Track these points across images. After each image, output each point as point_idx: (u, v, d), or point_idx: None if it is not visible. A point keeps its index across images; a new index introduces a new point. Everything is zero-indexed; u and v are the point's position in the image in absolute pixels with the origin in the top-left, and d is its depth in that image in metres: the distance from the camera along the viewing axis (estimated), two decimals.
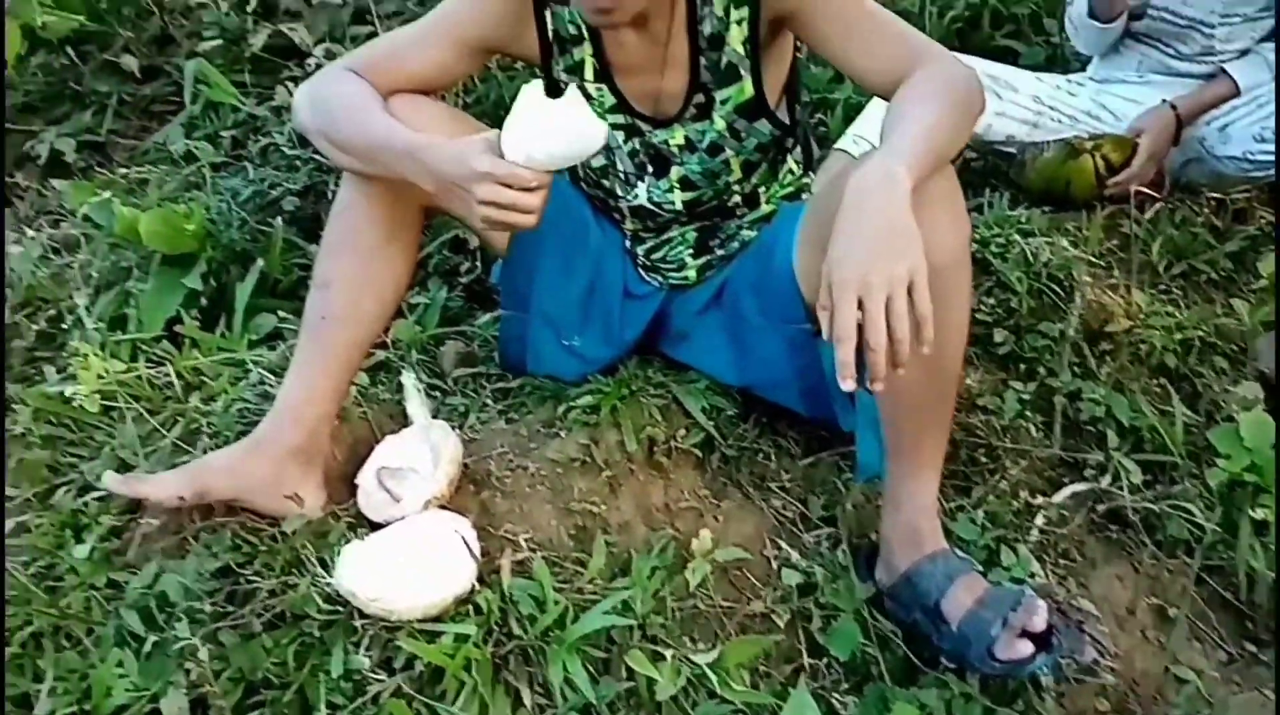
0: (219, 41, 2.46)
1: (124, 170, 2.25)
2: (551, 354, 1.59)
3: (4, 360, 1.80)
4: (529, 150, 1.17)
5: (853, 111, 2.25)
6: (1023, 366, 1.62)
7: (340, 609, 1.27)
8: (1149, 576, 1.39)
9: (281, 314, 1.79)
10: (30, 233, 2.10)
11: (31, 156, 2.40)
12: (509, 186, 1.16)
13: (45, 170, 2.39)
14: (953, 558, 1.31)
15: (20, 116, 2.49)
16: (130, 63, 2.48)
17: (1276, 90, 1.52)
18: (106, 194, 1.96)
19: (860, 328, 1.02)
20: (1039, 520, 1.44)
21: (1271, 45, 1.87)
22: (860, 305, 1.02)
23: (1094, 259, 1.74)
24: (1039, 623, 1.19)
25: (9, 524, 1.43)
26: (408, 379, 1.58)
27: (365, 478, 1.44)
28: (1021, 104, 2.05)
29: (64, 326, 1.84)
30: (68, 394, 1.53)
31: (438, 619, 1.25)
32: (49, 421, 1.57)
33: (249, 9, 2.56)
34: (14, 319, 1.87)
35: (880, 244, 1.03)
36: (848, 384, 1.03)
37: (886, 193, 1.05)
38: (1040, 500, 1.47)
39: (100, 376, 1.53)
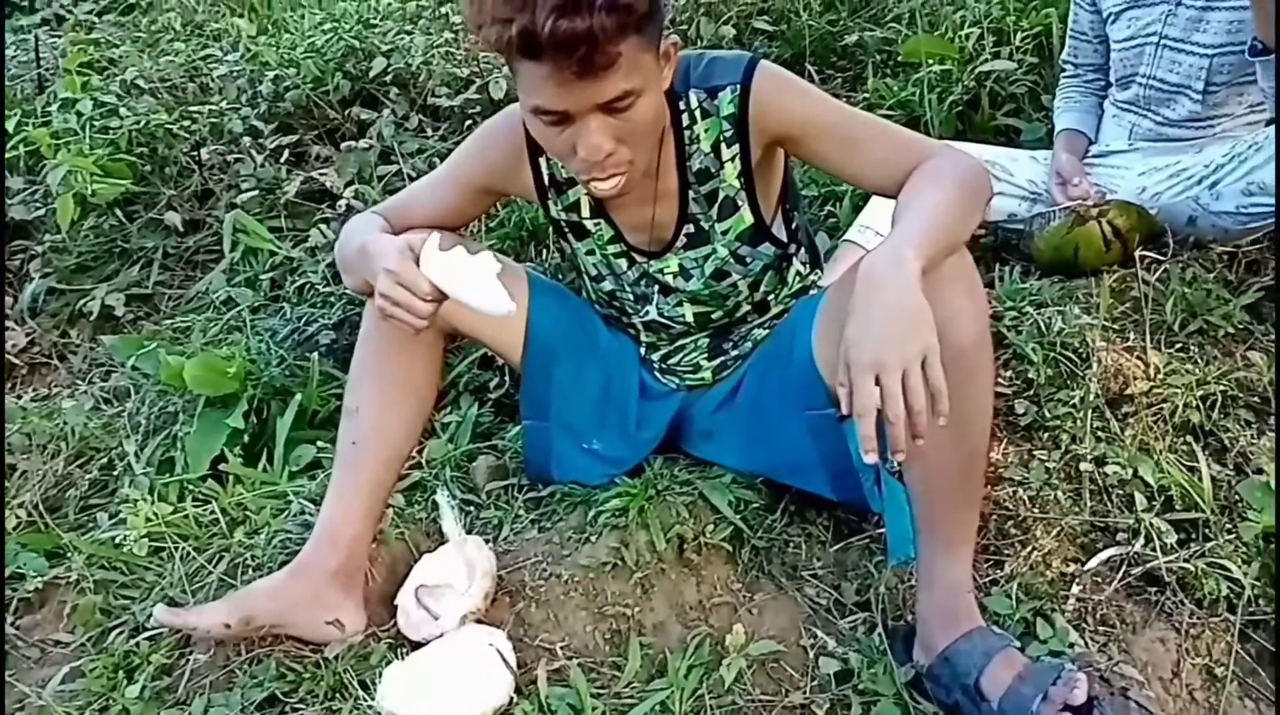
0: (255, 192, 2.60)
1: (169, 321, 2.37)
2: (574, 459, 1.63)
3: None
4: (438, 273, 1.28)
5: (860, 201, 2.30)
6: (1045, 435, 1.62)
7: None
8: (1191, 636, 1.36)
9: (320, 444, 1.86)
10: (83, 387, 2.21)
11: (84, 313, 2.53)
12: (409, 289, 1.26)
13: (96, 325, 2.53)
14: (990, 634, 1.30)
15: (73, 276, 2.63)
16: (174, 218, 2.62)
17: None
18: (153, 345, 2.07)
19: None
20: (1074, 588, 1.43)
21: None
22: (878, 382, 1.05)
23: (1107, 324, 1.75)
24: (1079, 696, 1.18)
25: (64, 669, 1.48)
26: (441, 497, 1.63)
27: (404, 598, 1.48)
28: (1019, 184, 2.10)
29: (115, 473, 1.92)
30: (118, 540, 1.59)
31: None
32: (102, 566, 1.64)
33: (282, 159, 2.71)
34: (68, 469, 1.96)
35: (893, 324, 1.07)
36: (870, 457, 1.06)
37: (896, 275, 1.09)
38: (1074, 568, 1.46)
39: (149, 520, 1.60)
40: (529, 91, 1.22)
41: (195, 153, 2.76)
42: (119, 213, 2.68)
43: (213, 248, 2.66)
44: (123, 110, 2.79)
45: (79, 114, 2.75)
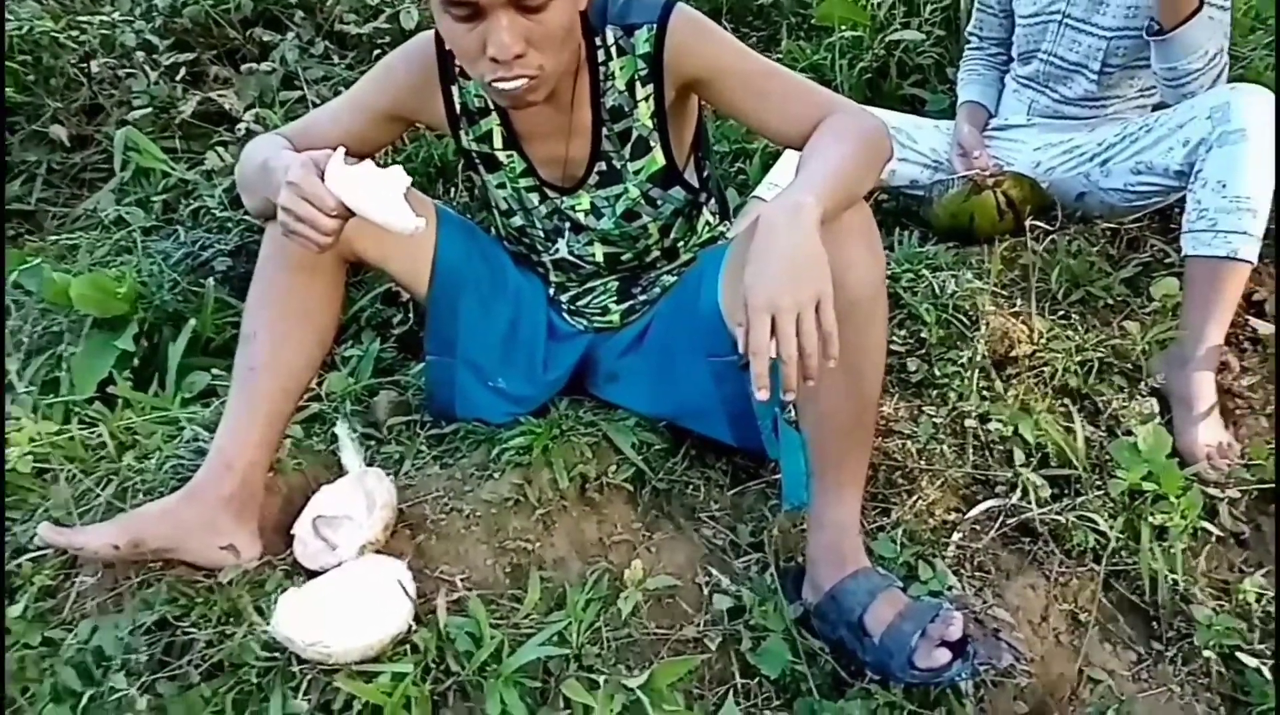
0: (148, 109, 2.49)
1: (54, 237, 2.26)
2: (478, 397, 1.63)
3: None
4: (343, 187, 1.22)
5: (770, 159, 2.34)
6: (934, 392, 1.70)
7: (278, 656, 1.28)
8: (1059, 584, 1.46)
9: (215, 372, 1.81)
10: None
11: None
12: (312, 204, 1.21)
13: None
14: (874, 575, 1.36)
15: None
16: (59, 132, 2.50)
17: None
18: (37, 261, 1.97)
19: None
20: (955, 536, 1.51)
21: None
22: (773, 324, 1.08)
23: (997, 289, 1.83)
24: (955, 632, 1.24)
25: None
26: (341, 429, 1.61)
27: (301, 527, 1.46)
28: (921, 152, 2.17)
29: None
30: None
31: (375, 660, 1.27)
32: None
33: (178, 78, 2.60)
34: None
35: (790, 268, 1.09)
36: (762, 395, 1.09)
37: (794, 221, 1.11)
38: (955, 517, 1.54)
39: (33, 439, 1.54)
40: None
41: (84, 65, 2.63)
42: None
43: (101, 166, 2.55)
44: None
45: None
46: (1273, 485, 1.55)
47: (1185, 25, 1.75)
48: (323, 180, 1.22)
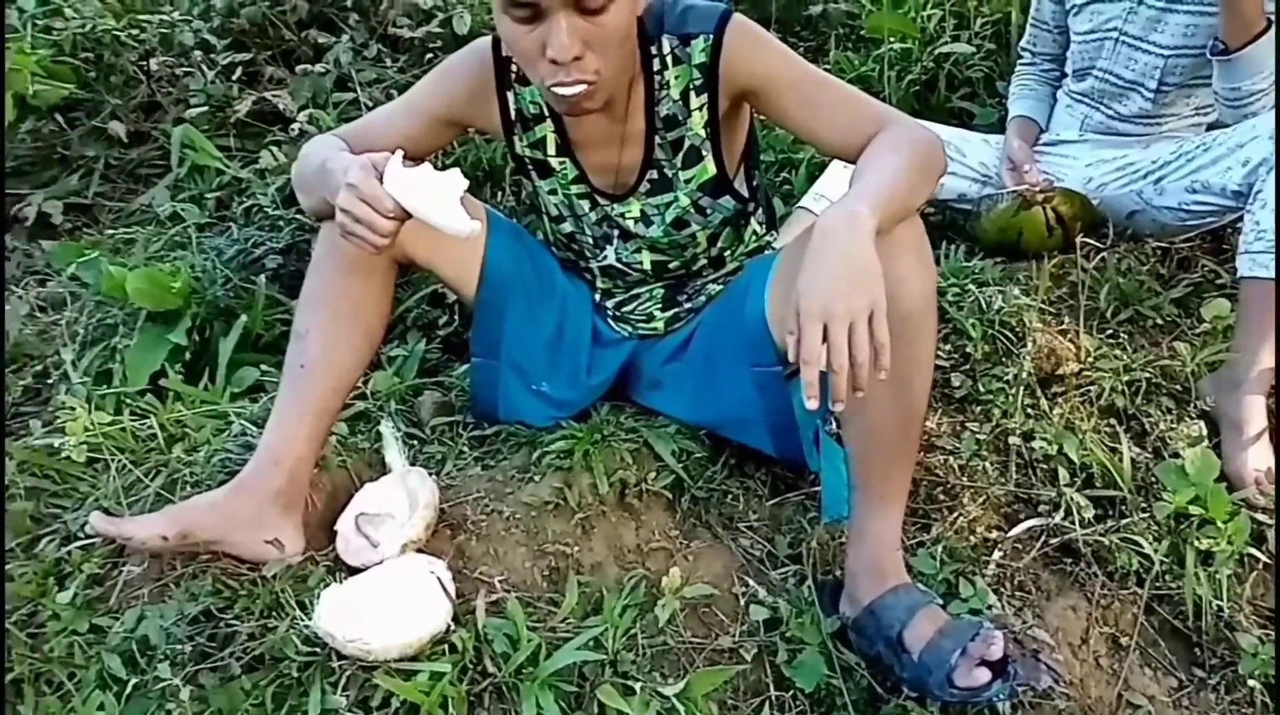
0: (205, 108, 2.54)
1: (110, 231, 2.31)
2: (521, 400, 1.65)
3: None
4: (401, 190, 1.24)
5: (816, 170, 2.34)
6: (978, 409, 1.68)
7: (319, 650, 1.30)
8: (1101, 606, 1.44)
9: (264, 367, 1.84)
10: (18, 292, 2.14)
11: (19, 218, 2.45)
12: (370, 205, 1.23)
13: (32, 232, 2.45)
14: (914, 591, 1.35)
15: (9, 180, 2.55)
16: (118, 128, 2.55)
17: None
18: (94, 253, 2.02)
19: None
20: (996, 554, 1.49)
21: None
22: (825, 332, 1.08)
23: (1044, 306, 1.81)
24: (996, 652, 1.23)
25: None
26: (386, 428, 1.63)
27: (344, 524, 1.48)
28: (970, 166, 2.15)
29: (49, 382, 1.88)
30: (55, 445, 1.56)
31: (414, 658, 1.29)
32: (33, 474, 1.61)
33: (234, 77, 2.65)
34: None
35: (844, 277, 1.09)
36: (812, 403, 1.08)
37: (850, 230, 1.11)
38: (996, 535, 1.52)
39: (86, 428, 1.57)
40: None
41: (144, 63, 2.68)
42: (59, 118, 2.59)
43: (157, 162, 2.60)
44: (68, 11, 2.69)
45: (20, 10, 2.65)
46: None
47: (1252, 45, 1.73)
48: (381, 182, 1.24)
